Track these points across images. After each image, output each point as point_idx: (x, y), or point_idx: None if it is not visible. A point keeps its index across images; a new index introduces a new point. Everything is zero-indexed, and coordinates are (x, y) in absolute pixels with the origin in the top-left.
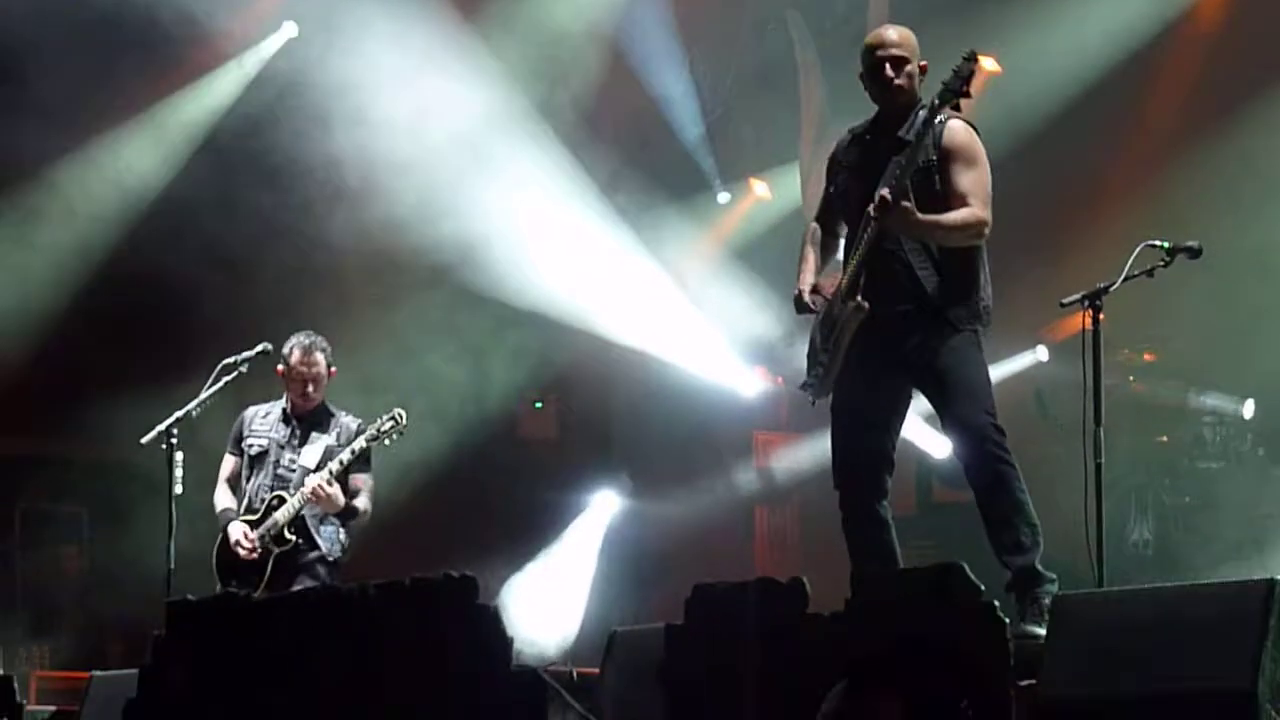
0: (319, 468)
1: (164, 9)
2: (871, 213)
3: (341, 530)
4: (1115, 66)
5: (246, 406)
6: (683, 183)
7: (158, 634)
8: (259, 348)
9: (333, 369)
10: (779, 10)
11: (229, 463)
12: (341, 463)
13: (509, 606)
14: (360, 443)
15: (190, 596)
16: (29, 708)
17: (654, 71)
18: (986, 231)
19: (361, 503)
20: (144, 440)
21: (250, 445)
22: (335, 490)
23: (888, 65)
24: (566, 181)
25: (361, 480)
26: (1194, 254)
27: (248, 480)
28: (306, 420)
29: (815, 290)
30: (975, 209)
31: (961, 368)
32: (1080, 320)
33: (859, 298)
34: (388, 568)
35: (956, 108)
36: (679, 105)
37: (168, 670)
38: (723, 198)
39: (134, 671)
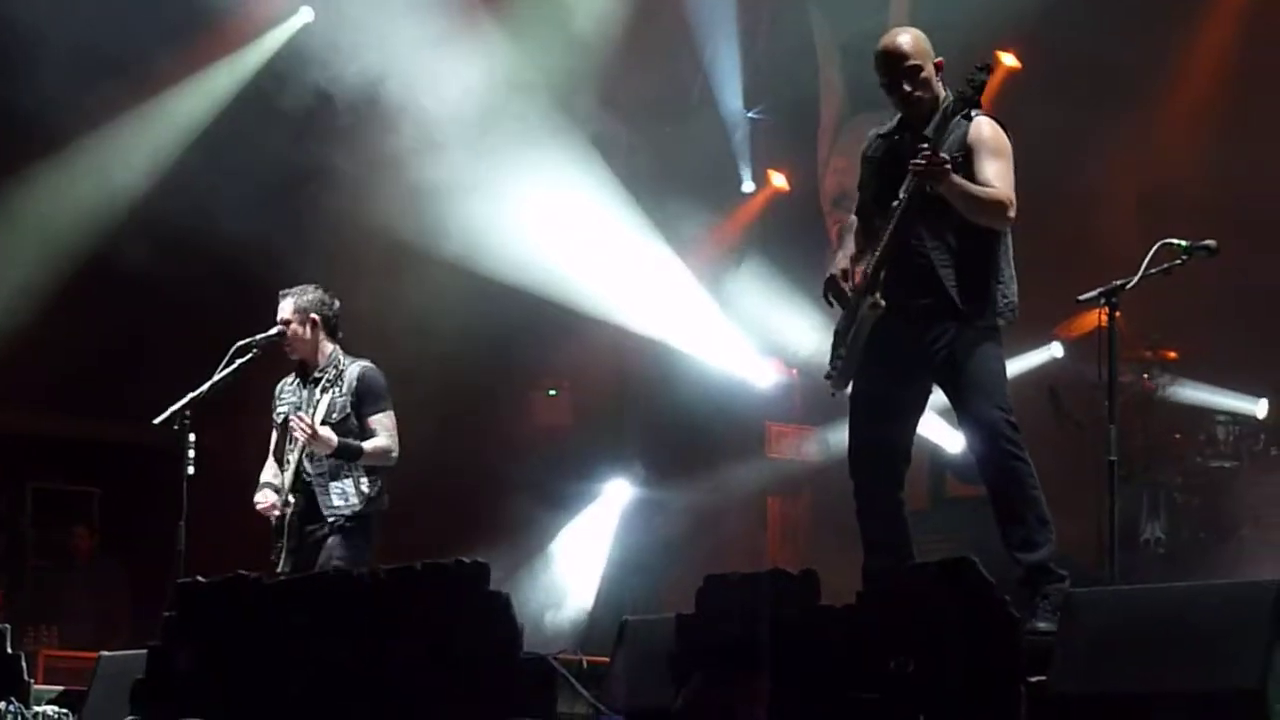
0: (323, 424)
1: None
2: (917, 172)
3: (361, 480)
4: (1135, 59)
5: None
6: (701, 171)
7: (168, 615)
8: (275, 329)
9: (313, 315)
10: (799, 2)
11: (272, 437)
12: (342, 409)
13: (520, 594)
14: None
15: (200, 578)
16: (36, 686)
17: (678, 58)
18: (1012, 214)
19: (380, 442)
20: (157, 420)
21: (277, 414)
22: (322, 430)
23: (904, 82)
24: (584, 166)
25: (375, 421)
26: (1211, 253)
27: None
28: (318, 378)
29: (845, 276)
30: (1003, 191)
31: (977, 363)
32: (1096, 317)
33: (876, 295)
34: (398, 554)
35: (967, 117)
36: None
37: (177, 651)
38: (747, 187)
39: (143, 652)
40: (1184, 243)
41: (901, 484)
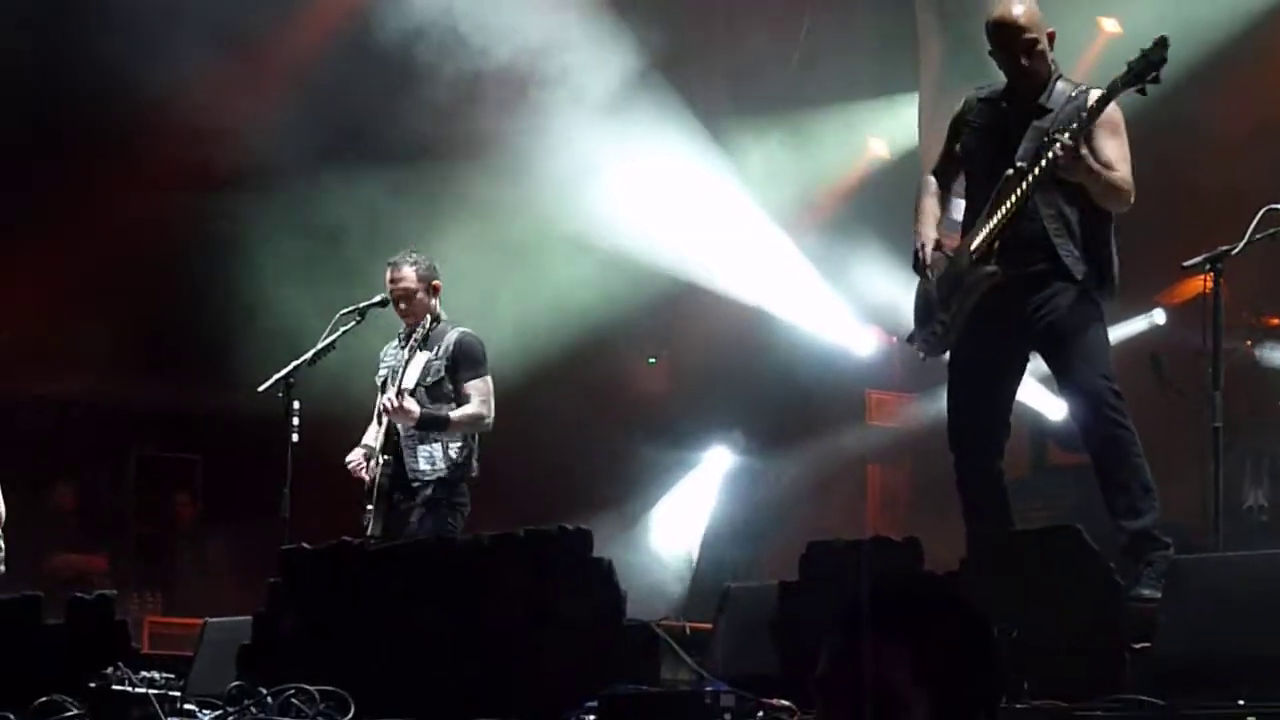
0: (416, 387)
1: None
2: (1058, 156)
3: (450, 446)
4: (1238, 30)
5: None
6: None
7: (272, 581)
8: (378, 297)
9: (436, 282)
10: None
11: (377, 399)
12: (437, 373)
13: (622, 560)
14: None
15: (305, 545)
16: (144, 652)
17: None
18: (1132, 199)
19: (470, 409)
20: (261, 389)
21: (378, 376)
22: (408, 403)
23: (1022, 54)
24: (684, 133)
25: (470, 387)
26: None
27: None
28: (418, 341)
29: (937, 246)
30: (1127, 175)
31: (1082, 332)
32: (1200, 284)
33: (993, 264)
34: (501, 521)
35: (1143, 91)
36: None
37: (282, 617)
38: (877, 146)
39: (248, 618)
40: None
41: (1001, 453)
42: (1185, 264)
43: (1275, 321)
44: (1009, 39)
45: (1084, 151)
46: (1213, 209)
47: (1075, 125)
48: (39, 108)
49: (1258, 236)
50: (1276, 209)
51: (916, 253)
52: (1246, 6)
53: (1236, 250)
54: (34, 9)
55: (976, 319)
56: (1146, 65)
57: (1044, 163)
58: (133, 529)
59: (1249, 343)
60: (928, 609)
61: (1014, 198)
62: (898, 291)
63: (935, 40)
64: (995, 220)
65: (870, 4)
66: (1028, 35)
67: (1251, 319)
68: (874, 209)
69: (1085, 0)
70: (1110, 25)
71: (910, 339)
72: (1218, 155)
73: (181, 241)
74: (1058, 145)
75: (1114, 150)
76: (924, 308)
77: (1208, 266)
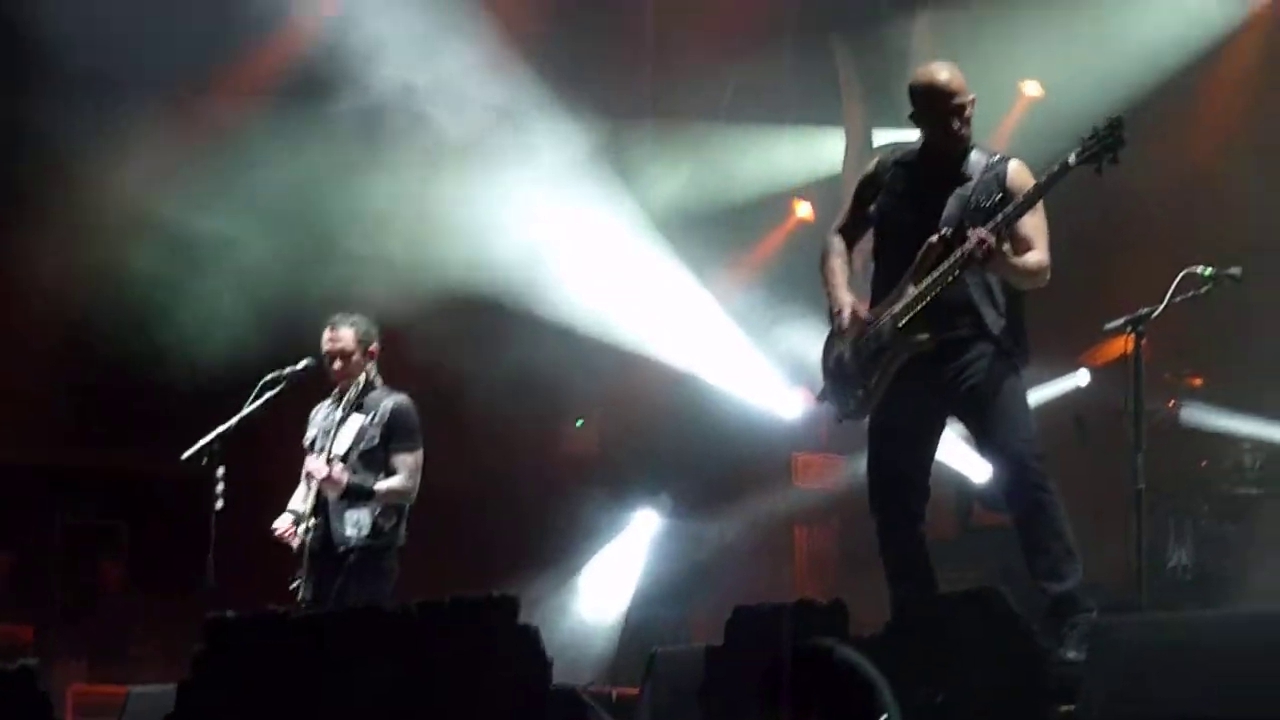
0: (349, 451)
1: None
2: (977, 254)
3: (377, 511)
4: (1155, 87)
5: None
6: (727, 198)
7: (197, 649)
8: (304, 361)
9: (372, 346)
10: (823, 32)
11: (306, 461)
12: (370, 440)
13: (549, 625)
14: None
15: (229, 613)
16: None
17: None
18: (1049, 276)
19: (396, 482)
20: (185, 455)
21: (308, 437)
22: (336, 472)
23: (952, 117)
24: (610, 196)
25: (399, 460)
26: (1236, 280)
27: None
28: (351, 403)
29: (849, 308)
30: (1041, 254)
31: (1003, 395)
32: (1123, 344)
33: (922, 333)
34: (429, 584)
35: (1099, 172)
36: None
37: (206, 686)
38: (803, 209)
39: (172, 687)
40: (1209, 270)
41: (923, 516)
42: (1107, 326)
43: (1198, 382)
44: (936, 103)
45: (1005, 249)
46: (1135, 270)
47: (1000, 217)
48: None
49: (1178, 299)
50: (1195, 271)
51: (833, 315)
52: (1163, 63)
53: (1157, 313)
54: None
55: (897, 383)
56: (1103, 148)
57: (962, 253)
58: (58, 596)
59: (1172, 403)
60: (834, 677)
61: (941, 269)
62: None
63: (857, 104)
64: (921, 288)
65: (793, 68)
66: (956, 100)
67: (1174, 380)
68: (800, 271)
69: (1005, 63)
70: (1031, 89)
71: (821, 397)
72: (1139, 216)
73: (108, 304)
74: (978, 240)
75: (1032, 224)
76: (840, 371)
77: (1129, 328)
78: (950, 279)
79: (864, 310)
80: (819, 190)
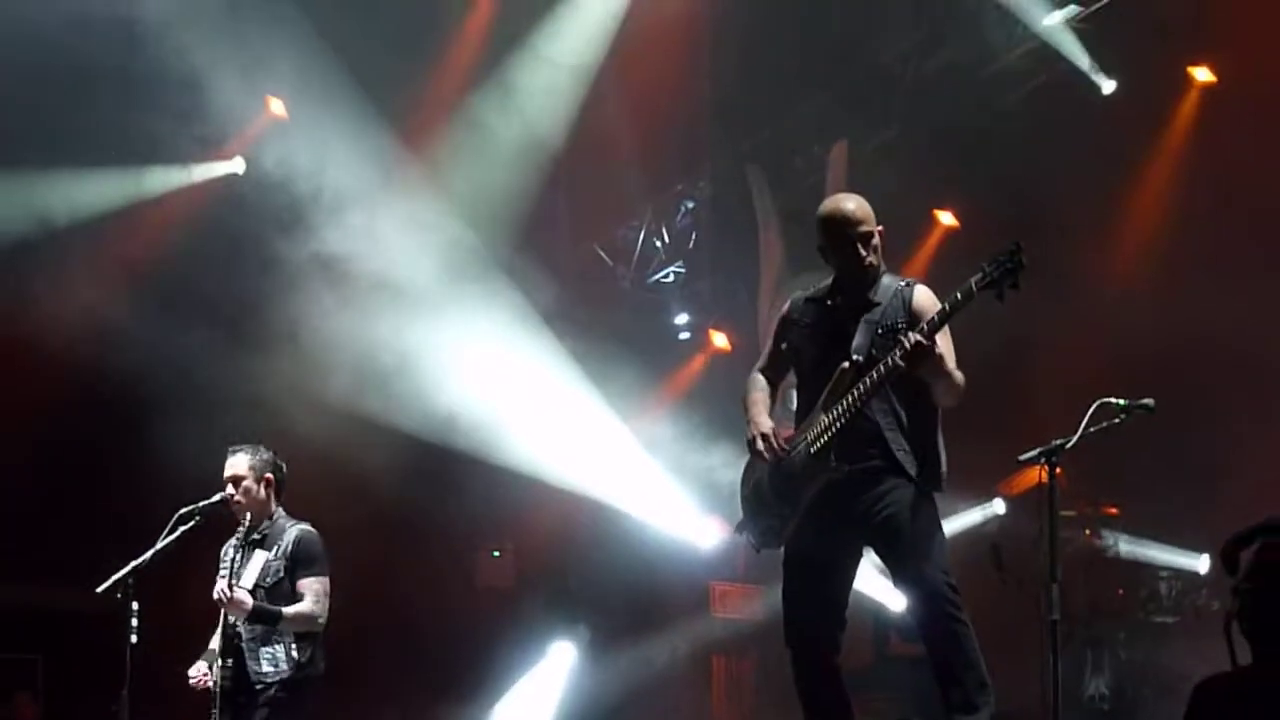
0: (255, 588)
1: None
2: (901, 359)
3: (293, 646)
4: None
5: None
6: (639, 330)
7: None
8: (217, 496)
9: (268, 475)
10: (738, 164)
11: None
12: (275, 573)
13: None
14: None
15: None
16: None
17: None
18: (963, 394)
19: (304, 607)
20: (100, 589)
21: (220, 576)
22: (238, 593)
23: (859, 246)
24: (521, 328)
25: (305, 585)
26: (1149, 411)
27: None
28: (256, 539)
29: (769, 438)
30: (956, 369)
31: (917, 526)
32: (1037, 474)
33: (833, 459)
34: (344, 714)
35: (1001, 298)
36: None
37: None
38: (719, 339)
39: None
40: (1122, 401)
41: (838, 648)
42: (1020, 457)
43: (1113, 511)
44: (842, 233)
45: (937, 350)
46: (1048, 401)
47: (932, 319)
48: None
49: (1091, 429)
50: (1109, 402)
51: (751, 441)
52: (1078, 193)
53: (1070, 443)
54: None
55: (811, 513)
56: (1004, 273)
57: (892, 358)
58: None
59: (1088, 532)
60: None
61: (852, 395)
62: (738, 483)
63: (774, 236)
64: (831, 415)
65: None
66: (862, 229)
67: (1089, 509)
68: (715, 401)
69: (919, 194)
70: (946, 219)
71: (739, 529)
72: (1049, 347)
73: (22, 436)
74: (912, 337)
75: (943, 344)
76: (756, 499)
77: (1043, 459)
78: (866, 398)
79: (782, 437)
80: (735, 322)
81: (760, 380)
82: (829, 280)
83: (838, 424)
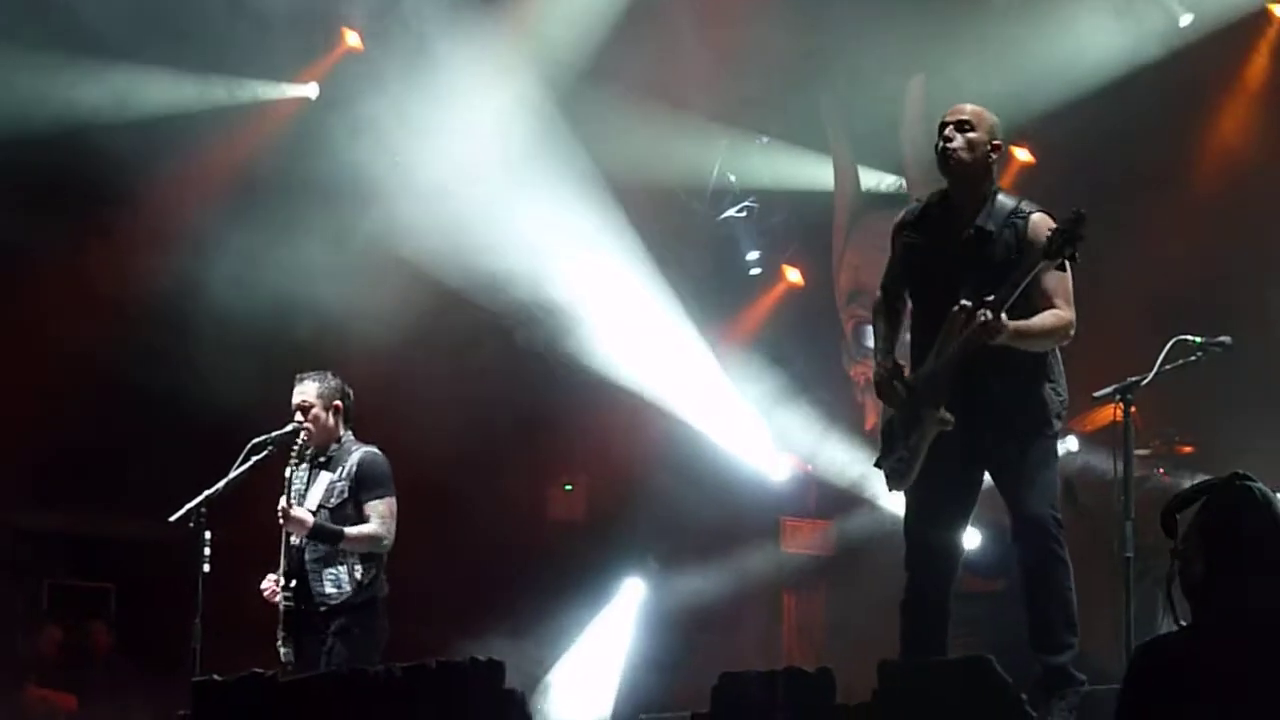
0: (318, 509)
1: None
2: (976, 333)
3: (356, 567)
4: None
5: None
6: (713, 265)
7: (183, 714)
8: (290, 425)
9: (337, 402)
10: (813, 95)
11: None
12: (340, 494)
13: (536, 691)
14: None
15: (216, 676)
16: None
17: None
18: (1073, 332)
19: (369, 528)
20: (172, 518)
21: (286, 499)
22: (297, 511)
23: (949, 129)
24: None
25: (370, 507)
26: (1226, 348)
27: None
28: (322, 462)
29: (899, 372)
30: (1061, 310)
31: (1032, 463)
32: (1112, 412)
33: (943, 410)
34: (414, 649)
35: (1061, 268)
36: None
37: None
38: (793, 274)
39: None
40: (1198, 338)
41: (951, 586)
42: (1096, 394)
43: (1187, 450)
44: (943, 122)
45: (1009, 325)
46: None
47: (996, 296)
48: None
49: (1167, 367)
50: (1185, 339)
51: (879, 383)
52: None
53: (1146, 380)
54: None
55: (932, 455)
56: (1064, 241)
57: (970, 330)
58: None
59: (1162, 470)
60: None
61: (959, 341)
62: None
63: (848, 166)
64: (940, 363)
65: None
66: (964, 117)
67: (1163, 447)
68: (787, 336)
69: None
70: (1022, 154)
71: (878, 464)
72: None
73: (96, 366)
74: (980, 322)
75: (1053, 280)
76: (888, 437)
77: (1118, 397)
78: (967, 351)
79: (901, 376)
80: (809, 257)
81: (881, 303)
82: (937, 195)
83: (939, 369)
